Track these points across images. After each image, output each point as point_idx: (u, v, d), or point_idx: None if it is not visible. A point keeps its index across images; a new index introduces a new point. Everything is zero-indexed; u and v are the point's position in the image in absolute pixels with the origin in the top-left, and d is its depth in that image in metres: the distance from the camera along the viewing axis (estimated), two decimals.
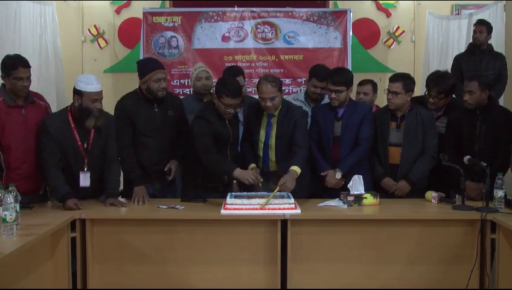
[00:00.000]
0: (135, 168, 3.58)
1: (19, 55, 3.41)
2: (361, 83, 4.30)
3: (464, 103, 3.61)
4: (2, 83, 3.38)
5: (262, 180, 3.45)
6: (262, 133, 3.67)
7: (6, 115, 3.31)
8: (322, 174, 3.63)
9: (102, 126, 3.44)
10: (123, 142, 3.57)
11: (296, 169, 3.37)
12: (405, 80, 3.65)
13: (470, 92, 3.57)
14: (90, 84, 3.34)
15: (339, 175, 3.58)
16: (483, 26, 5.01)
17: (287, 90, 5.56)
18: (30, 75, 3.35)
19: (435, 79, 3.83)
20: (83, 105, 3.33)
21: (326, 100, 3.96)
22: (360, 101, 4.06)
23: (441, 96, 3.79)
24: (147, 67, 3.61)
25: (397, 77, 3.69)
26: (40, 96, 3.59)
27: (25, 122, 3.37)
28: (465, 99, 3.59)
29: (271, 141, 3.65)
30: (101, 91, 3.40)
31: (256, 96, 3.79)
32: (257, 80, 5.36)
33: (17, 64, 3.27)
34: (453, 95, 3.97)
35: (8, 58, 3.34)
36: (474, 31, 5.03)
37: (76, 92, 3.35)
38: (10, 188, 2.67)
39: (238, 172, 3.40)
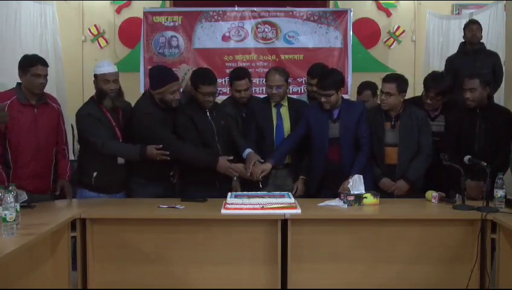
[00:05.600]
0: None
1: (37, 54, 3.55)
2: (359, 92, 4.36)
3: (466, 101, 3.60)
4: (17, 82, 3.46)
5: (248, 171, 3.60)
6: (274, 124, 3.83)
7: (19, 113, 3.38)
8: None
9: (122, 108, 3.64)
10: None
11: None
12: (398, 81, 3.66)
13: (472, 89, 3.57)
14: (101, 67, 3.58)
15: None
16: (477, 25, 5.02)
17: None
18: (47, 74, 3.45)
19: (433, 80, 3.84)
20: (98, 87, 3.56)
21: None
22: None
23: (439, 98, 3.80)
24: (163, 79, 3.59)
25: (390, 78, 3.70)
26: (53, 99, 3.66)
27: (36, 121, 3.44)
28: (466, 97, 3.58)
29: (285, 132, 3.82)
30: (113, 73, 3.58)
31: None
32: (257, 80, 5.41)
33: (36, 62, 3.40)
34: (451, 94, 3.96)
35: (26, 56, 3.46)
36: (470, 30, 5.02)
37: (94, 76, 3.60)
38: (10, 188, 2.67)
39: (221, 162, 3.52)
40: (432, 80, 3.84)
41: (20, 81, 3.43)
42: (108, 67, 3.58)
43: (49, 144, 3.52)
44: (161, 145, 3.45)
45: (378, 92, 3.87)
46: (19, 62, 3.42)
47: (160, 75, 3.67)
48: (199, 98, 3.62)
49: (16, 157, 3.39)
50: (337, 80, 3.64)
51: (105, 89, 3.53)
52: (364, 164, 3.63)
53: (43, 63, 3.42)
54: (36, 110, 3.44)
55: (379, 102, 3.80)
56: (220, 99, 4.03)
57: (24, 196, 3.27)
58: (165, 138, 3.51)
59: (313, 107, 3.84)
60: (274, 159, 3.68)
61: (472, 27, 5.02)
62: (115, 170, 3.62)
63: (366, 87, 4.31)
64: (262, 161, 3.62)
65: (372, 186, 3.55)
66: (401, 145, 3.66)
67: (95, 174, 3.58)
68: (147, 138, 3.49)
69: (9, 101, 3.34)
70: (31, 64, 3.36)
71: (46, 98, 3.54)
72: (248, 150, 3.66)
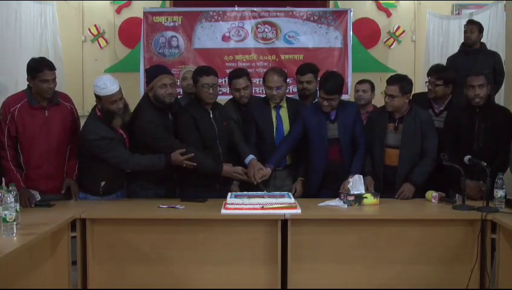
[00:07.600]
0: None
1: (44, 58, 3.54)
2: (360, 82, 4.52)
3: (475, 98, 3.54)
4: (27, 85, 3.45)
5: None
6: (274, 126, 3.83)
7: (30, 116, 3.39)
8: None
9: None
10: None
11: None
12: (401, 83, 3.62)
13: (480, 85, 3.54)
14: (104, 88, 3.36)
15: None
16: (473, 25, 5.02)
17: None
18: (55, 77, 3.43)
19: (436, 66, 4.00)
20: (105, 108, 3.41)
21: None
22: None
23: (439, 83, 3.79)
24: (151, 74, 3.60)
25: (394, 80, 3.66)
26: (66, 98, 3.64)
27: (47, 123, 3.44)
28: (476, 93, 3.53)
29: (285, 133, 3.82)
30: (118, 91, 3.39)
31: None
32: (257, 80, 5.41)
33: (42, 67, 3.37)
34: (451, 95, 3.95)
35: (33, 61, 3.43)
36: (465, 31, 5.04)
37: (96, 96, 3.44)
38: (10, 188, 2.68)
39: (225, 167, 3.54)
40: (435, 66, 4.01)
41: (26, 83, 3.43)
42: (112, 87, 3.36)
43: (61, 145, 3.51)
44: (184, 149, 3.44)
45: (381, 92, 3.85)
46: (27, 66, 3.40)
47: (150, 72, 3.69)
48: (200, 93, 3.60)
49: (27, 159, 3.41)
50: (340, 84, 3.68)
51: (114, 110, 3.40)
52: (362, 162, 3.65)
53: (50, 67, 3.39)
54: (47, 113, 3.44)
55: (381, 101, 3.81)
56: (220, 99, 4.02)
57: (37, 197, 3.29)
58: (169, 144, 3.49)
59: (309, 108, 3.84)
60: (272, 163, 3.66)
61: (467, 28, 5.04)
62: (122, 176, 3.64)
63: (365, 80, 4.49)
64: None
65: None
66: (402, 148, 3.62)
67: (103, 183, 3.56)
68: (151, 145, 3.48)
69: (19, 105, 3.36)
70: (38, 70, 3.34)
71: (58, 98, 3.53)
72: (251, 157, 3.64)
